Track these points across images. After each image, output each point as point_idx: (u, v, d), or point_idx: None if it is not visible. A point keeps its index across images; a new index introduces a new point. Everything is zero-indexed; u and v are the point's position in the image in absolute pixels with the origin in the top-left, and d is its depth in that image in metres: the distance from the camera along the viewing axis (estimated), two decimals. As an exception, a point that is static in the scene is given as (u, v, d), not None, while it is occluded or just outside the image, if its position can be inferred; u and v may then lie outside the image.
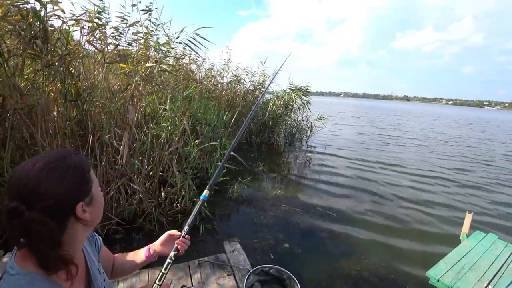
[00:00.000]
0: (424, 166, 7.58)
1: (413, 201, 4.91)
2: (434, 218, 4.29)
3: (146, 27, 3.28)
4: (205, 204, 3.45)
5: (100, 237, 0.92)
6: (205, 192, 1.08)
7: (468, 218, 3.38)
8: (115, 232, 3.06)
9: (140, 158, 3.40)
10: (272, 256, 3.02)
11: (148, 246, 0.99)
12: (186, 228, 0.98)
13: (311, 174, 6.11)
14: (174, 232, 0.99)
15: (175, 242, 0.93)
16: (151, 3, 3.16)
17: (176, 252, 0.92)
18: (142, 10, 3.16)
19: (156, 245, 0.98)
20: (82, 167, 0.65)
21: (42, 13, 2.38)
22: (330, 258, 3.13)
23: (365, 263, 3.05)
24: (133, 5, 3.10)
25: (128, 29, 3.27)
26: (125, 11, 3.20)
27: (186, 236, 0.96)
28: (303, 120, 9.56)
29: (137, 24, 3.20)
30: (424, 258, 3.21)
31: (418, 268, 2.98)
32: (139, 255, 0.99)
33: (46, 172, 0.58)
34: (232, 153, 3.69)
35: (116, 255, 1.01)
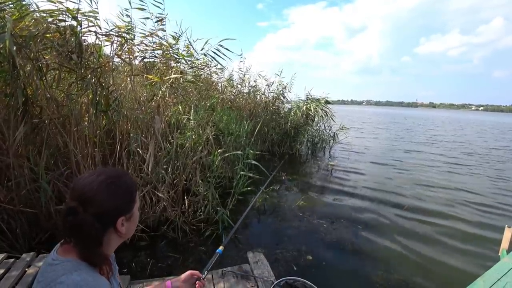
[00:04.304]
0: (460, 181, 7.16)
1: (445, 214, 4.61)
2: (469, 232, 4.00)
3: (160, 38, 3.47)
4: (228, 213, 3.47)
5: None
6: (221, 248, 1.36)
7: (508, 232, 3.09)
8: (140, 239, 3.12)
9: (164, 166, 3.47)
10: (295, 268, 2.93)
11: (169, 280, 1.05)
12: (205, 272, 1.15)
13: (334, 185, 5.93)
14: (196, 272, 1.10)
15: (196, 282, 1.07)
16: (160, 13, 3.38)
17: None
18: (157, 21, 3.39)
19: (177, 282, 1.06)
20: (131, 188, 0.78)
21: (78, 30, 2.54)
22: (356, 272, 2.98)
23: (393, 278, 2.87)
24: (146, 18, 3.38)
25: (154, 42, 3.44)
26: (141, 24, 3.43)
27: (204, 279, 1.11)
28: (325, 130, 9.43)
29: (154, 35, 3.38)
30: (458, 276, 2.97)
31: (453, 287, 2.78)
32: None
33: (105, 185, 0.70)
34: (254, 162, 3.67)
35: None
